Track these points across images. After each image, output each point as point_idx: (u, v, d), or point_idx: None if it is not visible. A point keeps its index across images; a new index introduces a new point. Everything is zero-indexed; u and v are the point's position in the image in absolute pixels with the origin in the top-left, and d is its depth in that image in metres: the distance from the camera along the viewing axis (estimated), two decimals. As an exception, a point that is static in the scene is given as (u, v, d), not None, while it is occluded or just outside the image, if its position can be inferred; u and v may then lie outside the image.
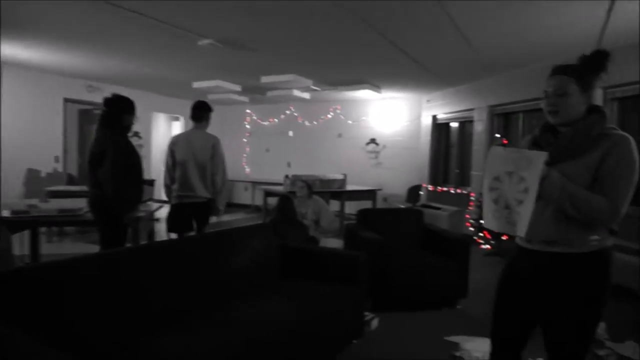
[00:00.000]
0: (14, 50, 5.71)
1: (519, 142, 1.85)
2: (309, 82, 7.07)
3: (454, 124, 8.04)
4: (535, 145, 1.68)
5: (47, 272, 1.94)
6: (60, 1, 3.76)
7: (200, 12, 3.99)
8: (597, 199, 1.47)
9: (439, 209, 7.41)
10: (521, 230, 1.47)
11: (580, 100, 1.57)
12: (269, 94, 8.24)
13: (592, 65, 1.56)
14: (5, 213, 3.56)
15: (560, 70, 1.59)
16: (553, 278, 1.60)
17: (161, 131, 11.39)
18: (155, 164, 10.32)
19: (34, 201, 4.49)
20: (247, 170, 10.73)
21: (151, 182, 8.52)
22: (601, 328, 3.29)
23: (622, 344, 3.12)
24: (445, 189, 7.93)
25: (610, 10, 3.62)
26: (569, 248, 1.55)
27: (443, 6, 3.64)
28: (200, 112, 4.21)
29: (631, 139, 1.53)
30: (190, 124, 4.31)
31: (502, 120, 6.72)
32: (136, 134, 8.87)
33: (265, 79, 6.77)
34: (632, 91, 4.60)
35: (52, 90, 7.41)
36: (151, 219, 5.04)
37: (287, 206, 4.61)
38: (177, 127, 10.57)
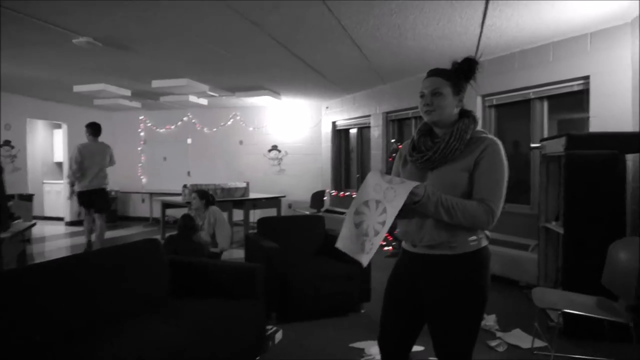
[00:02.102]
0: None
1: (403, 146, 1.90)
2: (204, 88, 6.78)
3: (353, 130, 8.25)
4: (414, 149, 1.75)
5: None
6: None
7: (71, 8, 3.58)
8: (472, 205, 1.54)
9: (342, 213, 7.52)
10: (366, 260, 1.51)
11: (452, 102, 1.67)
12: (163, 99, 7.79)
13: (462, 71, 1.68)
14: None
15: (435, 73, 1.70)
16: (436, 278, 1.66)
17: (39, 140, 10.22)
18: (33, 176, 9.22)
19: None
20: (144, 180, 10.03)
21: (29, 197, 7.59)
22: (491, 320, 3.51)
23: (511, 333, 3.34)
24: (347, 193, 8.09)
25: (482, 24, 3.91)
26: (451, 250, 1.63)
27: (332, 12, 3.65)
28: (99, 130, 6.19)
29: (500, 143, 1.63)
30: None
31: (397, 125, 7.03)
32: (7, 143, 7.84)
33: (156, 84, 6.35)
34: (507, 99, 5.05)
35: None
36: (22, 240, 4.41)
37: (187, 225, 4.33)
38: (60, 136, 9.54)
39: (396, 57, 5.12)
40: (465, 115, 1.70)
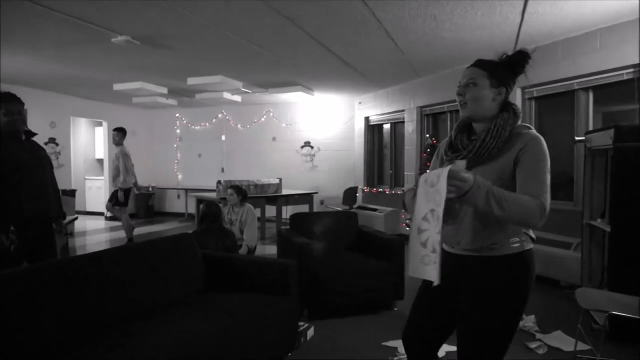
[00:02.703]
0: None
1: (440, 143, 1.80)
2: (238, 85, 6.84)
3: (387, 126, 8.13)
4: (451, 148, 1.65)
5: None
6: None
7: (111, 7, 3.66)
8: (525, 199, 1.40)
9: (375, 210, 7.44)
10: (437, 278, 1.33)
11: (489, 94, 1.56)
12: (198, 97, 7.91)
13: (510, 63, 1.57)
14: None
15: (475, 64, 1.61)
16: (473, 280, 1.57)
17: (82, 138, 10.62)
18: (76, 173, 9.59)
19: None
20: (180, 177, 10.25)
21: (72, 193, 7.88)
22: (531, 321, 3.37)
23: (552, 335, 3.20)
24: (380, 190, 8.00)
25: (524, 12, 3.75)
26: (491, 252, 1.53)
27: (367, 4, 3.59)
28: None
29: (541, 137, 1.52)
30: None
31: (432, 120, 6.88)
32: (52, 141, 8.17)
33: (191, 81, 6.45)
34: (549, 90, 4.84)
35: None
36: (65, 233, 4.59)
37: (212, 213, 4.35)
38: (101, 133, 9.88)
39: (432, 50, 4.99)
40: (506, 109, 1.57)
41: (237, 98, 7.96)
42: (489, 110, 1.57)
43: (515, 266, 1.53)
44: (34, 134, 3.03)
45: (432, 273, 1.34)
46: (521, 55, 1.55)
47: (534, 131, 1.55)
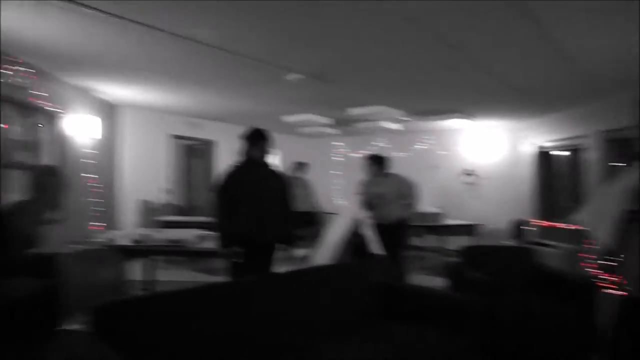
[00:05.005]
0: (125, 92, 6.34)
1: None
2: (398, 113, 6.93)
3: (559, 152, 7.31)
4: None
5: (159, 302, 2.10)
6: (158, 46, 4.10)
7: (288, 49, 4.10)
8: None
9: (549, 246, 6.69)
10: None
11: None
12: (357, 125, 8.24)
13: None
14: (126, 242, 3.90)
15: None
16: None
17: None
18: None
19: (148, 231, 4.83)
20: (339, 202, 10.70)
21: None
22: None
23: None
24: (554, 223, 7.17)
25: None
26: None
27: (541, 24, 3.34)
28: None
29: None
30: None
31: (617, 146, 5.95)
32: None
33: (352, 112, 6.77)
34: None
35: (159, 128, 8.05)
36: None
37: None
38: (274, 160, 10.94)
39: (617, 66, 4.38)
40: None
41: (396, 126, 8.06)
42: None
43: None
44: (269, 165, 3.47)
45: None
46: None
47: None
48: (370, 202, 5.10)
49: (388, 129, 8.01)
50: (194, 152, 9.33)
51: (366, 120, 7.65)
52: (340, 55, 4.23)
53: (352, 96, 6.09)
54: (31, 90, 4.70)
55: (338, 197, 10.76)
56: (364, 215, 5.11)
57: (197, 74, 5.21)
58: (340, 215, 6.14)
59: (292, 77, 4.89)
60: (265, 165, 3.44)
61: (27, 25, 3.62)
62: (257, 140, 3.38)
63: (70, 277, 3.60)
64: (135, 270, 4.89)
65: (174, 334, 2.00)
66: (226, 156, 8.71)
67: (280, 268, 3.28)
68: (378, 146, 9.89)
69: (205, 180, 9.23)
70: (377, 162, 5.24)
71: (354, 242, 4.60)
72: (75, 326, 3.71)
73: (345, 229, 5.52)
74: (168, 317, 2.04)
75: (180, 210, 8.01)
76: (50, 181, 4.13)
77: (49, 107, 5.20)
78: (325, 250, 5.73)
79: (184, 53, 4.34)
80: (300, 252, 6.76)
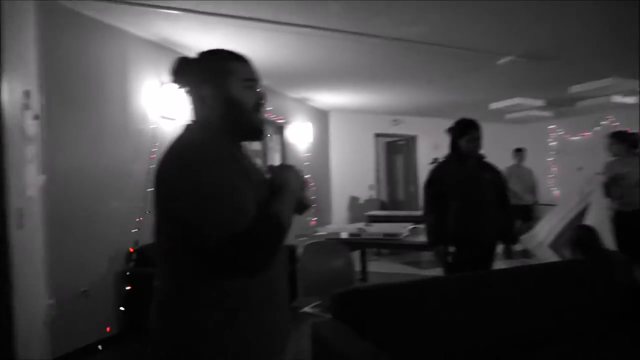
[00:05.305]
0: (335, 98, 6.91)
1: None
2: (634, 84, 5.83)
3: None
4: None
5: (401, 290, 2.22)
6: (367, 52, 4.32)
7: (499, 32, 3.86)
8: None
9: None
10: None
11: None
12: (579, 104, 7.23)
13: None
14: (344, 235, 4.27)
15: None
16: None
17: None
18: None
19: (361, 225, 5.19)
20: (555, 192, 9.59)
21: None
22: None
23: None
24: None
25: None
26: None
27: None
28: None
29: None
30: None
31: None
32: (435, 161, 9.22)
33: (575, 89, 5.97)
34: None
35: (365, 127, 8.55)
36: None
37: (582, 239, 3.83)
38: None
39: None
40: None
41: (632, 99, 6.81)
42: None
43: None
44: (483, 157, 3.20)
45: None
46: None
47: None
48: (611, 187, 4.37)
49: (619, 104, 6.81)
50: (396, 148, 9.59)
51: (590, 97, 6.66)
52: (560, 30, 3.77)
53: (571, 72, 5.38)
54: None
55: (555, 186, 9.66)
56: (597, 203, 4.46)
57: (402, 71, 5.33)
58: (559, 206, 5.51)
59: (504, 60, 4.57)
60: (477, 157, 3.19)
61: (261, 51, 4.26)
62: (466, 130, 3.15)
63: (305, 265, 4.08)
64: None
65: (404, 322, 2.08)
66: (426, 151, 8.70)
67: (500, 264, 3.08)
68: (608, 125, 8.53)
69: (407, 175, 9.39)
70: (624, 139, 4.41)
71: (580, 236, 4.01)
72: (305, 309, 4.21)
73: (568, 222, 4.94)
74: (400, 306, 2.12)
75: (384, 205, 8.32)
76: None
77: (276, 119, 6.06)
78: (546, 245, 5.21)
79: (391, 54, 4.49)
80: (518, 247, 6.32)
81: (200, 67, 1.17)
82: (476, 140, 3.06)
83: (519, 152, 6.75)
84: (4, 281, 2.36)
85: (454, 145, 3.16)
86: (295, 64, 4.66)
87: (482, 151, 3.16)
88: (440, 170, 3.19)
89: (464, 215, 3.01)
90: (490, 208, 3.05)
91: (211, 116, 1.15)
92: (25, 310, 2.58)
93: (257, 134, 1.21)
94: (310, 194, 1.30)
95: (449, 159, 3.21)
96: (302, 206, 1.27)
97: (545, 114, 8.17)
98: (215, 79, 1.15)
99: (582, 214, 4.80)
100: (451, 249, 3.03)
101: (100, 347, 3.36)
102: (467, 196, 3.04)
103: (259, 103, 1.19)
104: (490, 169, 3.19)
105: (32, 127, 2.70)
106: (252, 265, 1.03)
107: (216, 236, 0.98)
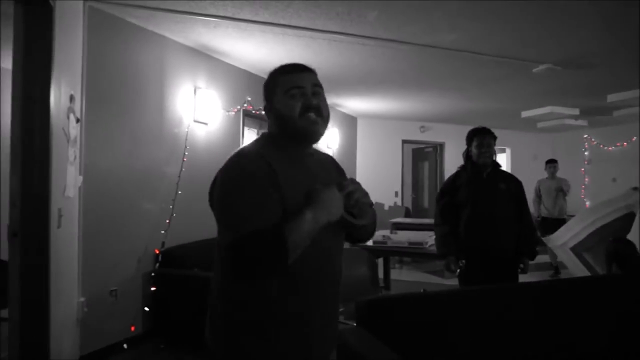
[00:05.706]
0: (363, 104, 6.89)
1: None
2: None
3: None
4: None
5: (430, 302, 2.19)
6: (398, 59, 4.29)
7: (536, 39, 3.78)
8: None
9: None
10: None
11: None
12: (616, 113, 7.00)
13: None
14: (369, 242, 4.24)
15: None
16: None
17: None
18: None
19: (386, 232, 5.15)
20: (587, 203, 9.29)
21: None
22: None
23: None
24: None
25: None
26: None
27: None
28: None
29: None
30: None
31: None
32: (463, 168, 9.07)
33: (612, 97, 5.78)
34: None
35: (392, 134, 8.51)
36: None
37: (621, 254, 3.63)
38: (503, 159, 10.27)
39: None
40: None
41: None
42: None
43: None
44: (499, 166, 3.10)
45: None
46: None
47: None
48: None
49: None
50: (422, 155, 9.49)
51: (628, 106, 6.45)
52: (599, 37, 3.66)
53: (608, 81, 5.22)
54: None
55: (588, 197, 9.38)
56: None
57: (433, 78, 5.28)
58: (587, 212, 5.37)
59: (540, 68, 4.46)
60: (492, 166, 3.08)
61: (295, 58, 4.28)
62: (475, 136, 3.05)
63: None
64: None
65: (428, 333, 2.04)
66: (453, 158, 8.58)
67: (527, 277, 2.98)
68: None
69: (432, 182, 9.27)
70: None
71: (618, 249, 3.84)
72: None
73: (594, 229, 4.79)
74: (425, 317, 2.09)
75: (408, 212, 8.23)
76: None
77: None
78: (568, 247, 5.08)
79: (422, 61, 4.45)
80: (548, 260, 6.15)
81: (263, 86, 1.35)
82: (485, 147, 2.95)
83: (551, 163, 6.56)
84: (43, 279, 2.42)
85: (467, 154, 3.10)
86: (327, 70, 4.67)
87: (507, 160, 3.09)
88: (453, 180, 3.12)
89: (475, 225, 2.92)
90: (505, 219, 2.92)
91: (271, 127, 1.34)
92: (60, 307, 2.65)
93: (304, 137, 1.29)
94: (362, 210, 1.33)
95: (463, 168, 3.14)
96: (347, 223, 1.31)
97: (579, 122, 7.94)
98: (267, 95, 1.33)
99: (611, 225, 4.67)
100: (462, 260, 2.94)
101: (125, 345, 3.41)
102: (479, 206, 2.94)
103: (305, 108, 1.25)
104: (508, 179, 3.08)
105: (74, 129, 2.78)
106: (249, 271, 1.12)
107: (230, 237, 1.12)
